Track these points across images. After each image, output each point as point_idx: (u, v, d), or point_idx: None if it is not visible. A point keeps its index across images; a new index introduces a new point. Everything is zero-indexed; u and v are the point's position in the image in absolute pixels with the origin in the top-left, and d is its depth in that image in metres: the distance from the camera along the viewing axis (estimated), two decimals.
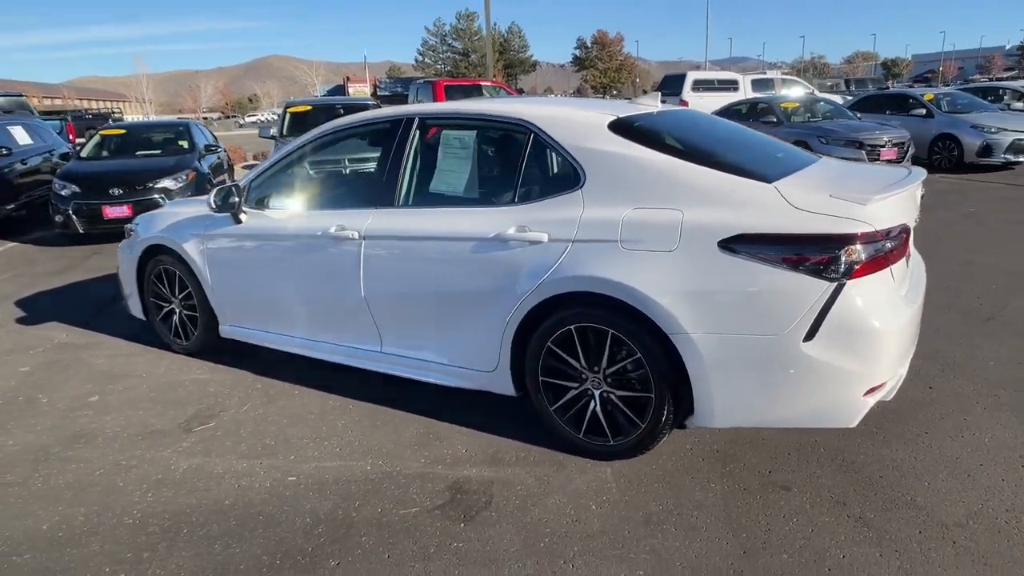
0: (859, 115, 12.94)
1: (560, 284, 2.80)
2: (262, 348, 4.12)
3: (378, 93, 49.27)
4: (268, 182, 3.94)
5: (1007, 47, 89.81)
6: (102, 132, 10.40)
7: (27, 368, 4.40)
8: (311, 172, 4.22)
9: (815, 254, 2.43)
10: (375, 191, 3.49)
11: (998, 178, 11.10)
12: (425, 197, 3.40)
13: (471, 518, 2.62)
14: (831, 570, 2.26)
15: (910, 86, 43.15)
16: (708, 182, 2.67)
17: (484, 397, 3.30)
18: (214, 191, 3.83)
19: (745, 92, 18.06)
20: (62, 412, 3.72)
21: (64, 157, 11.08)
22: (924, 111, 12.76)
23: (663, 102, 3.80)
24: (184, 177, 8.84)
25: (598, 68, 67.66)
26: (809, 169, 2.94)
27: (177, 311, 4.45)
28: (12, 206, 9.43)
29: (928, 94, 13.52)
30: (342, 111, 10.82)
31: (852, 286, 2.42)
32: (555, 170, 3.33)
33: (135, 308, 4.71)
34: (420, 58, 68.23)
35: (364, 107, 10.78)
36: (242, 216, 3.86)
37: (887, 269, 2.53)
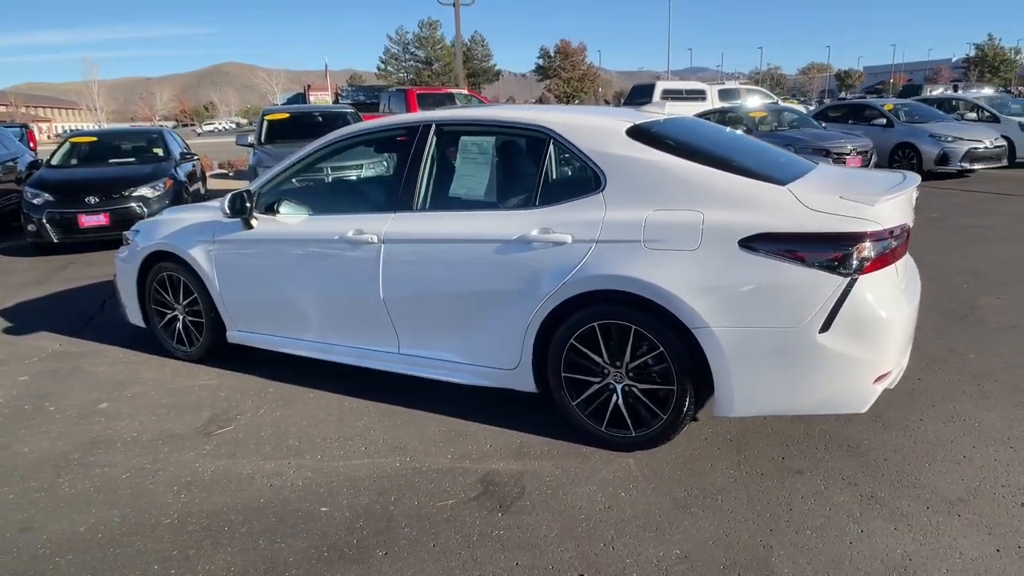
0: (824, 124, 13.43)
1: (585, 283, 2.93)
2: (267, 354, 4.14)
3: (339, 101, 48.87)
4: (279, 188, 3.98)
5: (953, 60, 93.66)
6: (72, 139, 10.19)
7: (26, 377, 4.34)
8: (324, 178, 4.27)
9: (830, 251, 2.61)
10: (393, 196, 3.58)
11: (954, 184, 11.66)
12: (444, 201, 3.50)
13: (507, 507, 2.72)
14: (852, 543, 2.43)
15: (862, 97, 44.61)
16: (726, 185, 2.84)
17: (501, 395, 3.40)
18: (227, 197, 3.86)
19: (712, 102, 18.60)
20: (73, 419, 3.69)
21: (34, 166, 10.78)
22: (885, 121, 13.32)
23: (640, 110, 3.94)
24: (162, 185, 8.73)
25: (561, 77, 68.30)
26: (815, 173, 3.14)
27: (181, 318, 4.44)
28: None
29: (888, 104, 14.11)
30: (320, 119, 10.81)
31: (863, 280, 2.62)
32: (575, 174, 3.46)
33: (135, 316, 4.67)
34: (382, 66, 67.94)
35: (343, 115, 10.79)
36: (253, 221, 3.90)
37: (892, 265, 2.74)
